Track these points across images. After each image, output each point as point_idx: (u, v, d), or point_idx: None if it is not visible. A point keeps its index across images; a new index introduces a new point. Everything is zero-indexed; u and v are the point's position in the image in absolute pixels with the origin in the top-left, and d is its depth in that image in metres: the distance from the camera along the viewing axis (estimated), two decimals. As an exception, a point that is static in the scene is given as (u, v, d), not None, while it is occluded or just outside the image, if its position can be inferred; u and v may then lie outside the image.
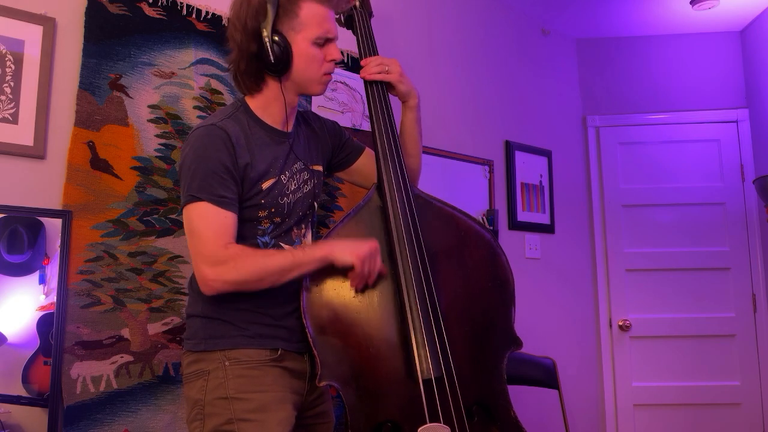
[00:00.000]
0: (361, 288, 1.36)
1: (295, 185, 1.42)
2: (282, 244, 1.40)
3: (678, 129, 3.28)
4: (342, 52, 2.23)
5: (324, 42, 1.37)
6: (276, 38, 1.33)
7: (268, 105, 1.40)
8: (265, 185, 1.35)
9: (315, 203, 1.51)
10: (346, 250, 1.32)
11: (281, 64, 1.34)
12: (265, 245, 1.38)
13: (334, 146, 1.60)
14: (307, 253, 1.32)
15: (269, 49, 1.33)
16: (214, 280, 1.24)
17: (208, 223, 1.26)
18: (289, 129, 1.45)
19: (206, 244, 1.25)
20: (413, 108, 1.58)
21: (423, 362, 1.32)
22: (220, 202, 1.26)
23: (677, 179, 3.24)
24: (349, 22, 1.63)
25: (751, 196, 3.13)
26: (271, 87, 1.39)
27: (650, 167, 3.26)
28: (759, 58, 3.12)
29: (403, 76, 1.54)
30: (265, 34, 1.33)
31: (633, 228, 3.23)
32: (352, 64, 2.26)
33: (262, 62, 1.34)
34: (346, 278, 1.36)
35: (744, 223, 3.15)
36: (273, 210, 1.37)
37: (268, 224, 1.38)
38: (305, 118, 1.56)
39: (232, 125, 1.33)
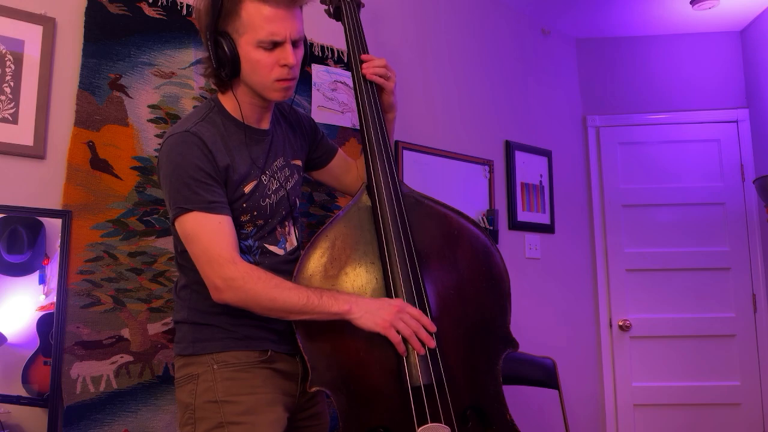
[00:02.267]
0: (419, 350, 1.28)
1: (276, 184, 1.39)
2: (266, 246, 1.38)
3: (678, 129, 3.28)
4: (343, 52, 2.24)
5: (272, 46, 1.26)
6: (219, 41, 1.26)
7: (239, 105, 1.35)
8: (247, 188, 1.32)
9: (298, 199, 1.48)
10: (368, 315, 1.25)
11: (226, 68, 1.27)
12: (249, 248, 1.35)
13: (310, 142, 1.57)
14: (324, 302, 1.24)
15: (210, 54, 1.27)
16: (224, 291, 1.22)
17: (206, 232, 1.23)
18: (266, 126, 1.41)
19: (211, 254, 1.22)
20: (392, 121, 1.57)
21: (412, 369, 1.28)
22: (210, 208, 1.23)
23: (677, 179, 3.24)
24: (337, 14, 1.58)
25: (751, 196, 3.12)
26: (237, 89, 1.34)
27: (650, 167, 3.26)
28: (759, 58, 3.12)
29: (395, 89, 1.53)
30: (207, 36, 1.27)
31: (633, 228, 3.23)
32: (352, 64, 2.26)
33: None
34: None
35: (744, 223, 3.14)
36: (255, 213, 1.34)
37: (252, 227, 1.35)
38: (281, 111, 1.51)
39: (207, 128, 1.28)
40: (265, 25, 1.24)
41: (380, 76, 1.48)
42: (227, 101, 1.36)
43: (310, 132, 1.57)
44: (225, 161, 1.28)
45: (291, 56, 1.27)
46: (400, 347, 1.27)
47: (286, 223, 1.43)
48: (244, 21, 1.25)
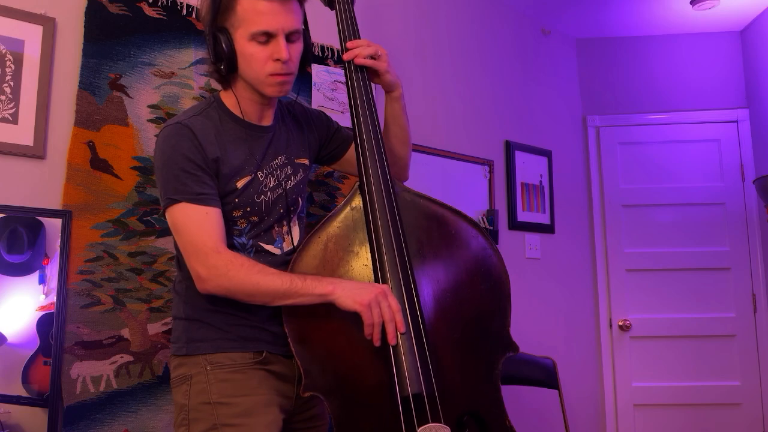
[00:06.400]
0: (380, 339, 1.21)
1: (274, 182, 1.37)
2: (262, 244, 1.36)
3: (678, 129, 3.28)
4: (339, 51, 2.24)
5: (266, 39, 1.25)
6: (218, 36, 1.27)
7: (239, 101, 1.35)
8: (240, 183, 1.31)
9: (300, 198, 1.45)
10: (349, 294, 1.20)
11: (223, 63, 1.28)
12: (243, 246, 1.34)
13: (321, 138, 1.55)
14: (308, 284, 1.22)
15: (209, 48, 1.30)
16: (207, 281, 1.22)
17: (192, 223, 1.23)
18: (268, 123, 1.40)
19: (196, 244, 1.22)
20: (398, 98, 1.50)
21: (402, 378, 1.22)
22: (198, 199, 1.24)
23: (677, 179, 3.24)
24: (330, 1, 1.52)
25: (751, 196, 3.13)
26: (235, 85, 1.35)
27: (650, 167, 3.26)
28: (759, 58, 3.12)
29: (390, 65, 1.45)
30: (206, 32, 1.30)
31: (633, 228, 3.23)
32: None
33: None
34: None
35: (744, 223, 3.15)
36: (248, 209, 1.33)
37: (245, 224, 1.33)
38: (291, 110, 1.50)
39: (200, 121, 1.29)
40: (258, 18, 1.24)
41: (370, 58, 1.41)
42: (227, 98, 1.36)
43: (322, 127, 1.55)
44: (215, 153, 1.27)
45: (284, 50, 1.26)
46: (368, 330, 1.21)
47: (285, 222, 1.41)
48: (239, 15, 1.25)
